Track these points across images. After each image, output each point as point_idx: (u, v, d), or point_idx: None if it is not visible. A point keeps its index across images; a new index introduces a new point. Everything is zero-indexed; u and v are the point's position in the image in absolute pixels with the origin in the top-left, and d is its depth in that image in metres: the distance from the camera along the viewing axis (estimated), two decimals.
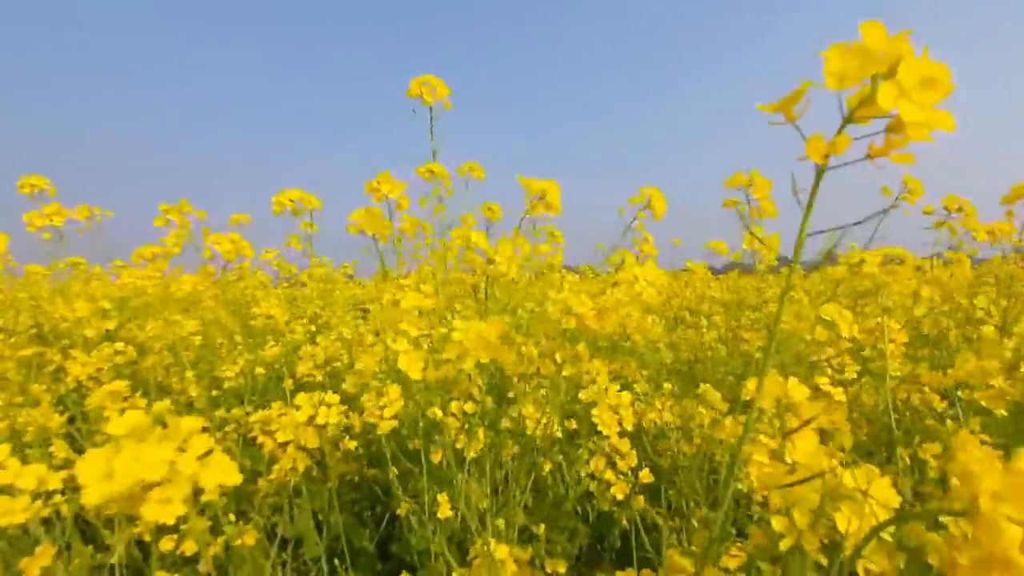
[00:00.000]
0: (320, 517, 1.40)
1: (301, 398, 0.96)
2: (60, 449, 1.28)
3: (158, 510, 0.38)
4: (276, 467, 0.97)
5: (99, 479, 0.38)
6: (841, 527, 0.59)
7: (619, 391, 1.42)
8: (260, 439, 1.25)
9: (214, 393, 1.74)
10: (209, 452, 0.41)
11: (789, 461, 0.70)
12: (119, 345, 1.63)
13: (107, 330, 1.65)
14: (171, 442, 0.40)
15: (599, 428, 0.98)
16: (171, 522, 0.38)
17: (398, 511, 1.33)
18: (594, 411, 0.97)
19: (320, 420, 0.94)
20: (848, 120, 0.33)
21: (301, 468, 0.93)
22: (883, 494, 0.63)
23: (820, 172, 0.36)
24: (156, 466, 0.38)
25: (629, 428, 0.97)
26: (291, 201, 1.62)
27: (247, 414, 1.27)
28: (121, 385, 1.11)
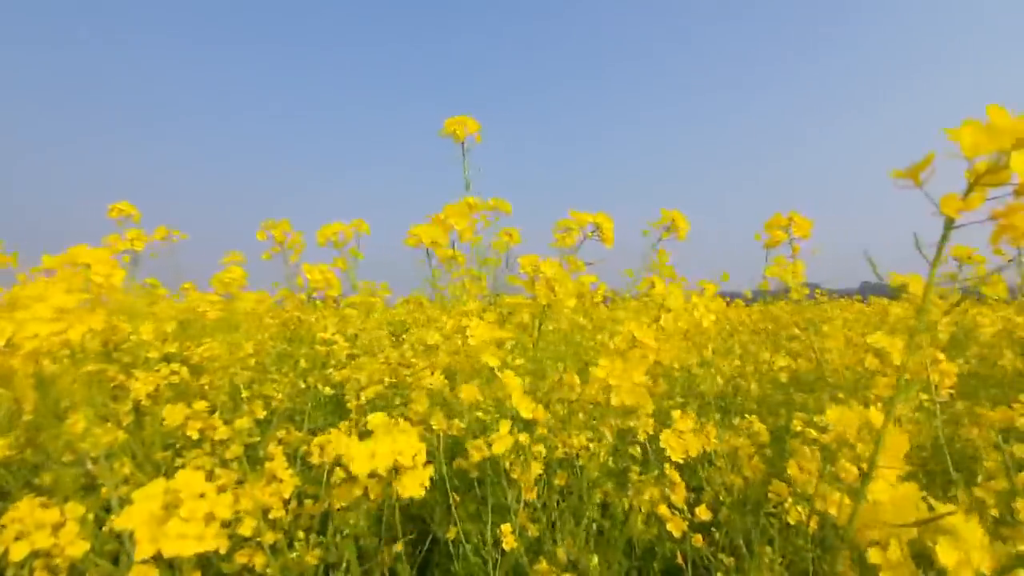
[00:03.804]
0: (360, 542, 1.41)
1: (375, 420, 0.98)
2: (125, 465, 1.33)
3: (411, 487, 0.57)
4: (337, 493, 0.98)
5: (366, 458, 0.57)
6: (944, 562, 0.59)
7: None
8: (317, 460, 1.28)
9: (263, 414, 1.79)
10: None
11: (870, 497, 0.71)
12: (175, 366, 1.70)
13: (168, 352, 1.72)
14: (409, 437, 0.57)
15: (668, 455, 0.99)
16: (419, 495, 0.56)
17: (447, 536, 1.34)
18: (662, 435, 0.99)
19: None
20: (975, 184, 0.38)
21: (373, 496, 0.95)
22: (970, 530, 0.63)
23: (948, 227, 0.41)
24: (408, 453, 0.58)
25: (694, 454, 0.97)
26: (335, 234, 1.71)
27: (312, 434, 1.31)
28: (202, 406, 1.17)
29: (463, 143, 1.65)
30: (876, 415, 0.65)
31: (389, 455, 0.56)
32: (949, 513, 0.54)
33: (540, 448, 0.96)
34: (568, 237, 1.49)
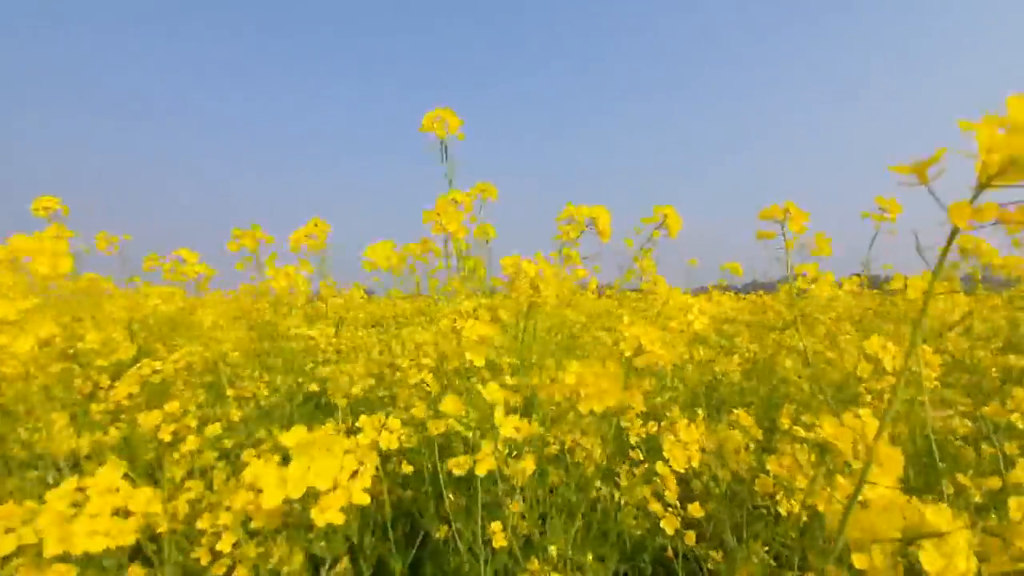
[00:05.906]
0: (353, 539, 1.39)
1: (364, 421, 0.95)
2: (115, 465, 1.29)
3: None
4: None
5: None
6: (927, 567, 0.59)
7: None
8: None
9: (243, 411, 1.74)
10: None
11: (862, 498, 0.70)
12: (157, 364, 1.64)
13: (137, 349, 1.65)
14: None
15: (671, 464, 0.97)
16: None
17: (436, 534, 1.32)
18: (665, 447, 0.97)
19: (383, 446, 0.94)
20: (983, 186, 0.36)
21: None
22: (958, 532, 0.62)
23: (954, 234, 0.38)
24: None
25: (696, 465, 0.96)
26: (307, 236, 1.65)
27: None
28: (174, 406, 1.13)
29: (443, 141, 1.55)
30: (870, 427, 0.64)
31: None
32: (940, 534, 0.53)
33: (529, 463, 0.94)
34: (572, 230, 1.41)
